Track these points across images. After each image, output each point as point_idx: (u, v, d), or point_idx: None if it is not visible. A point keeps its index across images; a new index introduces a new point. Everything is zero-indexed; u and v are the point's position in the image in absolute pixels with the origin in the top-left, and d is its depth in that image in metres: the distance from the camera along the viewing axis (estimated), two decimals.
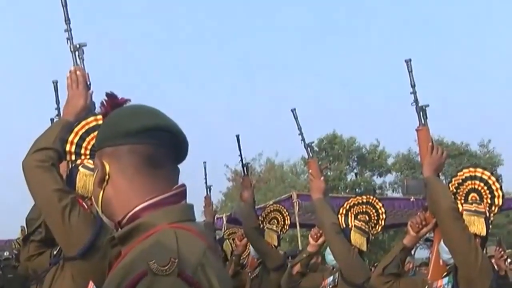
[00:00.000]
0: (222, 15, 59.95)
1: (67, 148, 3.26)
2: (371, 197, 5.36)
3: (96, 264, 2.93)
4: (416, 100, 3.97)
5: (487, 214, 3.85)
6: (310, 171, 5.36)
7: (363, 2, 56.60)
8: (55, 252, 3.26)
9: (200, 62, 58.07)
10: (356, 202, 5.21)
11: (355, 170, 37.81)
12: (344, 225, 5.09)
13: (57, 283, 3.13)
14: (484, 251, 3.93)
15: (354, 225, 5.06)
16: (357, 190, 33.94)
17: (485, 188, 3.99)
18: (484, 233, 3.80)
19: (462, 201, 3.96)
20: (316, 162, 5.44)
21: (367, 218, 5.14)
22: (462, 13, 57.11)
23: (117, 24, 57.79)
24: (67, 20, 3.36)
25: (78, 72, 3.27)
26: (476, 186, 4.00)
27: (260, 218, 6.51)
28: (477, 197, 3.98)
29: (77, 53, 3.35)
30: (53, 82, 3.96)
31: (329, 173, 35.68)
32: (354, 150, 37.41)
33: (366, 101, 55.20)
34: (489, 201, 3.97)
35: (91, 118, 3.28)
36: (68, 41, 3.37)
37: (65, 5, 3.36)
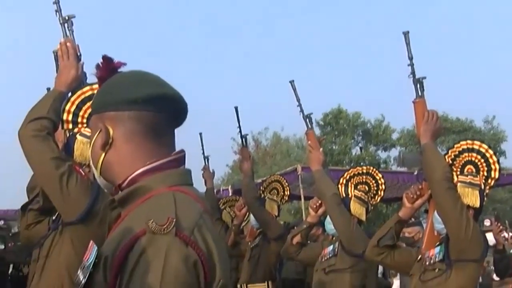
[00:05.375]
0: None
1: (64, 117, 3.29)
2: (371, 167, 5.36)
3: (94, 228, 2.96)
4: (413, 73, 3.93)
5: (482, 187, 3.84)
6: (309, 142, 5.34)
7: None
8: (53, 218, 3.28)
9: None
10: (356, 173, 5.23)
11: (360, 145, 37.70)
12: (344, 195, 5.10)
13: (56, 247, 3.17)
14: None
15: (354, 195, 5.08)
16: (361, 164, 33.72)
17: (482, 161, 3.97)
18: (477, 205, 3.78)
19: (458, 172, 3.94)
20: (314, 133, 5.42)
21: (367, 189, 5.15)
22: None
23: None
24: None
25: (68, 44, 3.27)
26: (473, 159, 3.98)
27: (261, 188, 6.53)
28: (473, 169, 3.95)
29: (66, 25, 3.35)
30: (53, 52, 3.95)
31: (334, 147, 35.69)
32: (359, 125, 37.23)
33: (371, 76, 55.26)
34: (485, 174, 3.95)
35: (87, 88, 3.30)
36: (57, 13, 3.37)
37: None
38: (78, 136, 3.29)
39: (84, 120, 3.29)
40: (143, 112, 1.62)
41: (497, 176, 3.96)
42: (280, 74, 48.77)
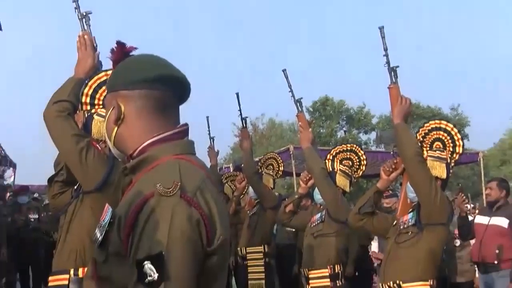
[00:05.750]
0: None
1: (83, 100, 3.31)
2: (354, 145, 5.36)
3: (110, 196, 2.96)
4: (388, 62, 3.91)
5: (449, 160, 3.85)
6: (300, 123, 5.32)
7: None
8: (75, 188, 3.28)
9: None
10: (342, 150, 5.23)
11: (344, 128, 37.94)
12: (331, 169, 5.09)
13: (78, 214, 3.18)
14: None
15: (339, 169, 5.08)
16: None
17: (448, 138, 3.99)
18: (444, 176, 3.80)
19: (428, 148, 3.94)
20: (304, 116, 5.39)
21: (350, 164, 5.14)
22: None
23: None
24: None
25: (85, 36, 3.26)
26: (441, 136, 3.99)
27: (258, 164, 6.52)
28: (441, 145, 3.96)
29: (84, 20, 3.33)
30: None
31: (321, 131, 35.87)
32: (343, 111, 37.48)
33: (354, 68, 55.31)
34: (451, 149, 3.96)
35: (102, 73, 3.31)
36: (76, 10, 3.35)
37: None
38: (95, 116, 3.30)
39: (100, 102, 3.30)
40: (152, 91, 1.60)
41: (461, 151, 3.97)
42: (275, 67, 48.71)
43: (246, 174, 6.33)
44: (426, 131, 4.02)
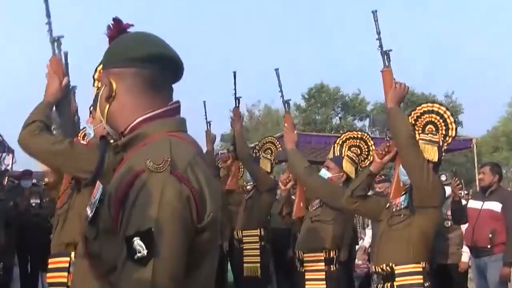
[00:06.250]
0: None
1: (95, 76, 3.31)
2: (365, 134, 5.31)
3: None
4: (380, 46, 3.86)
5: (441, 143, 3.81)
6: (286, 124, 5.23)
7: None
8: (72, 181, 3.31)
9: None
10: (352, 136, 5.18)
11: (339, 115, 38.02)
12: (338, 154, 5.06)
13: (76, 200, 3.24)
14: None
15: (347, 155, 5.05)
16: (341, 131, 34.12)
17: (441, 121, 3.94)
18: (436, 159, 3.76)
19: (420, 131, 3.91)
20: (291, 117, 5.30)
21: (359, 152, 5.11)
22: None
23: None
24: (48, 15, 3.33)
25: (53, 61, 3.29)
26: (433, 119, 3.94)
27: (256, 148, 6.47)
28: (433, 129, 3.92)
29: (55, 43, 3.34)
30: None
31: (317, 117, 35.95)
32: (339, 97, 37.58)
33: (350, 56, 55.27)
34: (443, 132, 3.92)
35: None
36: (48, 33, 3.35)
37: (46, 1, 3.31)
38: None
39: None
40: (143, 69, 1.59)
41: (454, 134, 3.93)
42: (271, 55, 48.61)
43: (240, 158, 6.23)
44: (418, 114, 3.97)
